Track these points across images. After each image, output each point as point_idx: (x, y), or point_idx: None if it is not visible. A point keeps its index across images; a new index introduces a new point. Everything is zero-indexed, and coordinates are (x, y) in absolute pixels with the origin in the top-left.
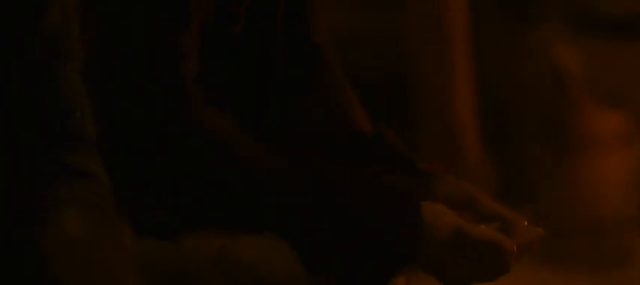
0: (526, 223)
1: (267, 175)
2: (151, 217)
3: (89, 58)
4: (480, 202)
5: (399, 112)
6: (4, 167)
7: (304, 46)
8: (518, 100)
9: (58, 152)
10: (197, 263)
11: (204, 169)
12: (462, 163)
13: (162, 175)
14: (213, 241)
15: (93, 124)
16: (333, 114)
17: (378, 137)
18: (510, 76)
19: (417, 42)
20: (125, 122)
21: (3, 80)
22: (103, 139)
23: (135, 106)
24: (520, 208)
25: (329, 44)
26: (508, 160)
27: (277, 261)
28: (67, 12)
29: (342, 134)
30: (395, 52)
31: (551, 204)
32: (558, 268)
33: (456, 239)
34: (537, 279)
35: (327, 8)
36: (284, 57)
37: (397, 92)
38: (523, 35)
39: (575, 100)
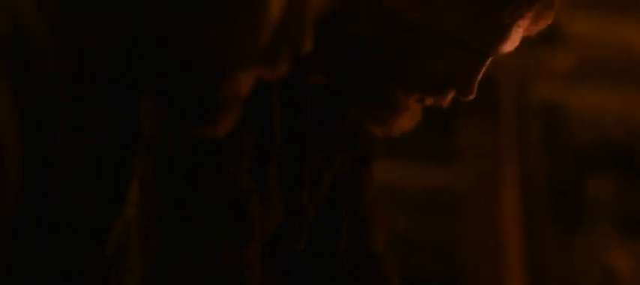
0: None
1: None
2: None
3: (149, 273)
4: None
5: None
6: None
7: (364, 257)
8: None
9: None
10: None
11: None
12: None
13: None
14: None
15: None
16: None
17: None
18: (562, 278)
19: (471, 246)
20: None
21: None
22: None
23: None
24: None
25: (387, 252)
26: None
27: None
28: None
29: None
30: (450, 256)
31: None
32: None
33: None
34: None
35: (387, 213)
36: (344, 267)
37: None
38: (574, 238)
39: None
